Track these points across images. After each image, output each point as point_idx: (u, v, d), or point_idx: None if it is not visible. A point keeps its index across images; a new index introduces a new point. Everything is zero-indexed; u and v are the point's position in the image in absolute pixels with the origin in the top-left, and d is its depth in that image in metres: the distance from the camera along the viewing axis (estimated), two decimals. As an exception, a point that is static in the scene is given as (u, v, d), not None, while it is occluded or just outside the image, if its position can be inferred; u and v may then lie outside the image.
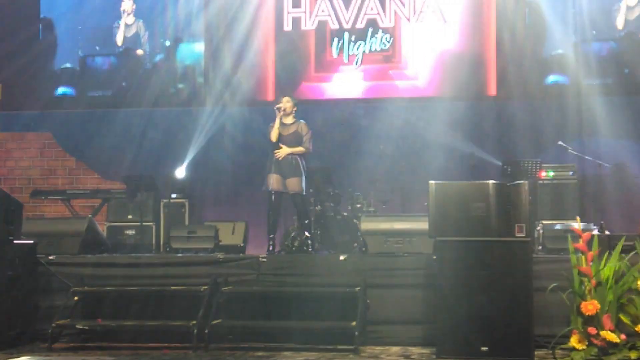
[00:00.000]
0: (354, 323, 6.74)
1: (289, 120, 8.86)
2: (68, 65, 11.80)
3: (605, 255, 6.38)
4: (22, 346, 7.03)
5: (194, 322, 6.89)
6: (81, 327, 7.23)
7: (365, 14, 11.14)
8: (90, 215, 9.42)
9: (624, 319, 6.22)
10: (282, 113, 8.77)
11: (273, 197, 8.75)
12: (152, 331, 7.18)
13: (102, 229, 9.68)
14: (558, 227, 8.28)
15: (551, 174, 9.39)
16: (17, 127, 11.73)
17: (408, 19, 11.09)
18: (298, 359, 6.48)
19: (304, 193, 8.90)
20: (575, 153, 9.75)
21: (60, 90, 11.80)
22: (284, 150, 8.72)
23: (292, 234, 9.21)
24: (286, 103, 8.86)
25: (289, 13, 11.31)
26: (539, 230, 8.74)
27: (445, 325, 6.36)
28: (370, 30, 11.13)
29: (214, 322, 6.97)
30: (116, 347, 7.04)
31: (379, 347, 6.91)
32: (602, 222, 7.88)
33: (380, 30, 11.12)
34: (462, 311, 6.31)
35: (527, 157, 9.55)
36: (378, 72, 11.16)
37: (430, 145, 10.60)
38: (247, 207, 10.27)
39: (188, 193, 10.47)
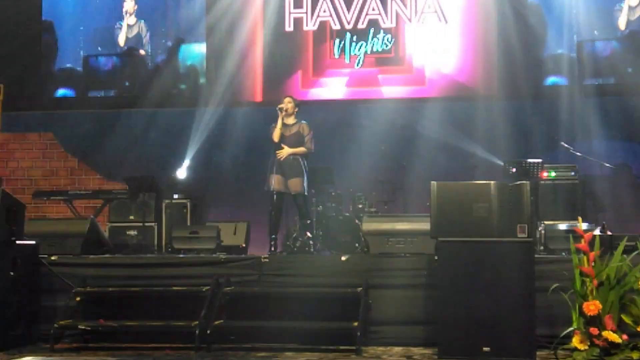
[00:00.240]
0: (355, 323, 6.73)
1: (290, 120, 8.86)
2: (70, 65, 11.81)
3: (607, 256, 6.39)
4: (24, 346, 7.02)
5: (196, 322, 6.88)
6: (83, 327, 7.23)
7: (366, 14, 11.15)
8: (92, 216, 9.43)
9: (626, 319, 6.22)
10: (283, 113, 8.78)
11: (275, 197, 8.76)
12: (154, 331, 7.17)
13: (104, 229, 9.68)
14: (560, 227, 8.28)
15: (553, 174, 9.38)
16: (19, 127, 11.75)
17: (409, 20, 11.09)
18: (300, 360, 6.49)
19: (306, 193, 8.91)
20: (577, 153, 9.75)
21: (61, 92, 11.82)
22: (285, 151, 8.73)
23: (294, 235, 9.22)
24: (288, 103, 8.87)
25: (290, 13, 11.32)
26: (540, 231, 8.76)
27: (447, 326, 6.36)
28: (372, 30, 11.14)
29: (216, 322, 6.97)
30: (118, 348, 7.04)
31: (381, 348, 6.91)
32: (604, 222, 7.88)
33: (382, 31, 11.14)
34: (464, 311, 6.30)
35: (529, 157, 9.54)
36: (379, 72, 11.16)
37: (432, 146, 10.60)
38: (249, 207, 10.27)
39: (190, 193, 10.48)
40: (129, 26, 11.72)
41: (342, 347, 6.78)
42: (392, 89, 11.15)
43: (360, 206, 9.65)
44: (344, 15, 11.19)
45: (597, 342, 6.09)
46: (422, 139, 10.69)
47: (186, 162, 10.72)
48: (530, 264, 6.34)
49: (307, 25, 11.30)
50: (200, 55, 11.59)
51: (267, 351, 6.78)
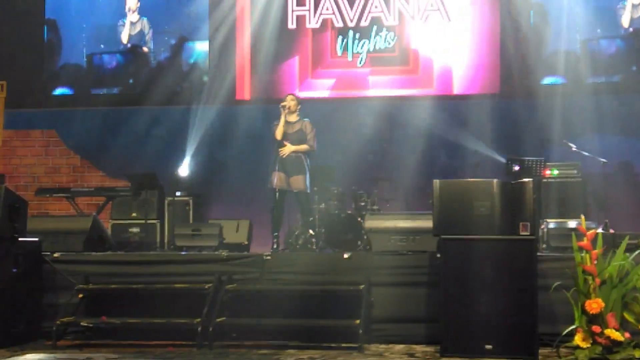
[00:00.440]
0: (358, 321, 6.74)
1: (293, 118, 8.86)
2: (73, 63, 11.82)
3: (610, 254, 6.38)
4: (26, 343, 7.04)
5: (199, 319, 6.89)
6: (85, 324, 7.25)
7: (369, 12, 11.14)
8: (94, 213, 9.45)
9: (628, 317, 6.22)
10: (286, 111, 8.78)
11: (277, 195, 8.76)
12: (156, 329, 7.18)
13: (107, 226, 9.69)
14: (562, 225, 8.27)
15: (556, 172, 9.37)
16: (22, 124, 11.75)
17: (412, 18, 11.08)
18: (302, 357, 6.47)
19: (308, 191, 8.91)
20: (580, 151, 9.74)
21: (63, 89, 11.83)
22: (288, 148, 8.73)
23: (296, 232, 9.22)
24: (290, 101, 8.87)
25: (293, 11, 11.31)
26: (543, 229, 8.75)
27: (449, 323, 6.36)
28: (375, 28, 11.13)
29: (218, 319, 6.98)
30: (120, 345, 7.05)
31: (383, 345, 6.92)
32: (606, 220, 7.88)
33: (385, 29, 11.13)
34: (467, 309, 6.31)
35: (531, 155, 9.53)
36: (381, 70, 11.15)
37: (434, 143, 10.60)
38: (251, 205, 10.26)
39: (192, 191, 10.48)
40: (132, 23, 11.72)
41: (344, 345, 6.79)
42: (394, 87, 11.13)
43: (362, 204, 9.65)
44: (347, 12, 11.18)
45: (599, 340, 6.09)
46: (425, 136, 10.68)
47: (187, 160, 10.70)
48: (533, 262, 6.34)
49: (309, 23, 11.29)
50: (203, 53, 11.59)
51: (269, 349, 6.79)
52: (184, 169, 10.57)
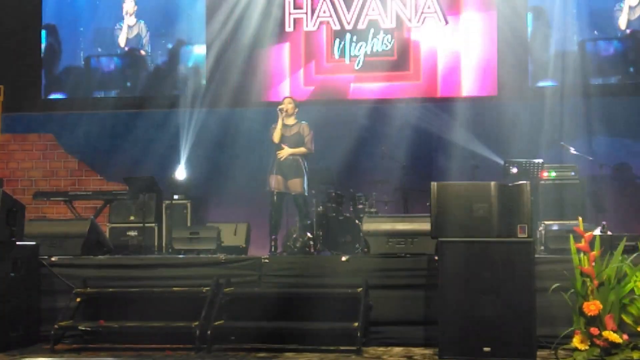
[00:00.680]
0: (356, 324, 6.73)
1: (290, 121, 8.88)
2: (71, 66, 11.82)
3: (607, 256, 6.38)
4: (24, 347, 7.03)
5: (196, 323, 6.88)
6: (84, 328, 7.22)
7: (366, 15, 11.15)
8: (92, 217, 9.43)
9: (626, 319, 6.22)
10: (284, 114, 8.79)
11: (275, 197, 8.78)
12: (154, 332, 7.18)
13: (105, 230, 9.69)
14: (560, 227, 8.27)
15: (553, 174, 9.39)
16: (20, 128, 11.75)
17: (409, 20, 11.09)
18: (300, 360, 6.49)
19: (306, 194, 8.93)
20: (578, 153, 9.75)
21: (61, 93, 11.83)
22: (285, 151, 8.74)
23: (294, 235, 9.21)
24: (288, 104, 8.89)
25: (290, 14, 11.32)
26: (541, 231, 8.75)
27: (447, 326, 6.36)
28: (372, 31, 11.14)
29: (216, 323, 6.97)
30: (119, 348, 7.04)
31: (381, 348, 6.92)
32: (604, 222, 7.88)
33: (382, 31, 11.14)
34: (465, 312, 6.30)
35: (529, 157, 9.54)
36: (379, 72, 11.15)
37: (432, 146, 10.61)
38: (249, 208, 10.26)
39: (190, 194, 10.49)
40: (129, 27, 11.73)
41: (342, 348, 6.79)
42: (392, 90, 11.14)
43: (360, 206, 9.64)
44: (344, 15, 11.19)
45: (597, 342, 6.09)
46: (422, 139, 10.70)
47: (182, 163, 10.69)
48: (531, 264, 6.34)
49: (307, 26, 11.30)
50: (201, 56, 11.59)
51: (267, 352, 6.78)
52: (181, 173, 10.57)
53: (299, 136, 8.81)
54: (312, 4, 11.27)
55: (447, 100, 10.93)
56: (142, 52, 11.72)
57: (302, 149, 8.79)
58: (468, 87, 10.97)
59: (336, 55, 11.22)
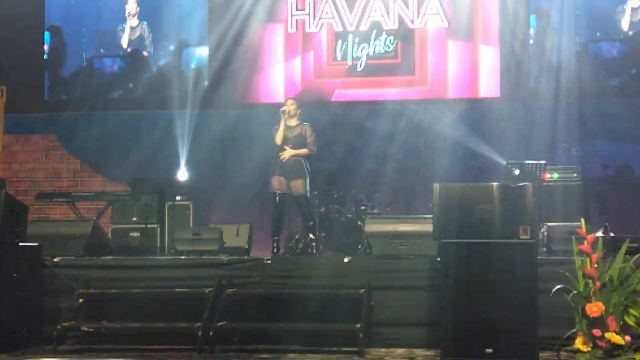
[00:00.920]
0: (358, 325, 6.73)
1: (293, 122, 8.88)
2: (74, 67, 11.84)
3: (610, 257, 6.38)
4: (27, 348, 7.02)
5: (199, 324, 6.89)
6: (86, 329, 7.24)
7: (369, 16, 11.15)
8: (95, 218, 9.45)
9: (629, 320, 6.21)
10: (286, 116, 8.80)
11: (277, 199, 8.78)
12: (156, 333, 7.18)
13: (107, 231, 9.70)
14: (562, 229, 8.26)
15: (555, 175, 9.37)
16: (22, 129, 11.75)
17: (412, 22, 11.09)
18: (303, 361, 6.50)
19: (308, 195, 8.93)
20: (580, 155, 9.75)
21: (64, 93, 11.85)
22: (288, 152, 8.75)
23: (297, 236, 9.22)
24: (290, 105, 8.90)
25: (292, 15, 11.32)
26: (543, 232, 8.75)
27: (449, 327, 6.35)
28: (374, 32, 11.14)
29: (219, 324, 6.97)
30: (121, 349, 7.05)
31: (383, 349, 6.92)
32: (606, 223, 7.87)
33: (384, 33, 11.13)
34: (467, 313, 6.30)
35: (531, 158, 9.53)
36: (382, 74, 11.15)
37: (434, 147, 10.61)
38: (252, 209, 10.27)
39: (192, 195, 10.48)
40: (132, 28, 11.74)
41: (344, 349, 6.79)
42: (394, 91, 11.14)
43: (363, 208, 9.65)
44: (347, 17, 11.19)
45: (600, 343, 6.09)
46: (425, 140, 10.70)
47: (184, 164, 10.68)
48: (533, 266, 6.33)
49: (309, 27, 11.30)
50: (203, 57, 11.60)
51: (269, 353, 6.79)
52: (183, 174, 10.57)
53: (301, 137, 8.81)
54: (314, 5, 11.27)
55: (450, 101, 10.92)
56: (145, 54, 11.73)
57: (304, 150, 8.80)
58: (471, 88, 10.96)
59: (338, 57, 11.21)
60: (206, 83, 11.54)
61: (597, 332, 6.10)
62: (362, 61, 11.15)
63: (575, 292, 6.31)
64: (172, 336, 7.14)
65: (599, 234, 7.01)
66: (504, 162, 9.74)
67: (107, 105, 11.61)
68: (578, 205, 9.13)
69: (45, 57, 11.90)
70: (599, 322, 6.14)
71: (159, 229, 10.03)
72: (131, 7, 11.74)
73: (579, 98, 10.53)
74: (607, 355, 6.09)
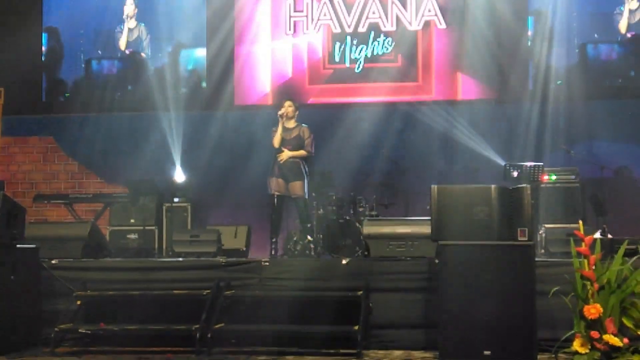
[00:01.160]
0: (356, 327, 6.73)
1: (291, 124, 8.88)
2: (72, 69, 11.83)
3: (608, 259, 6.38)
4: (25, 350, 7.02)
5: (197, 326, 6.88)
6: (84, 331, 7.23)
7: (367, 18, 11.16)
8: (92, 220, 9.45)
9: (627, 322, 6.21)
10: (284, 119, 8.80)
11: (275, 200, 8.77)
12: (154, 335, 7.18)
13: (105, 233, 9.69)
14: (560, 230, 8.27)
15: (554, 177, 9.39)
16: (20, 131, 11.76)
17: (410, 23, 11.10)
18: (301, 363, 6.50)
19: (306, 197, 8.92)
20: (578, 156, 9.76)
21: (62, 95, 11.84)
22: (286, 154, 8.74)
23: (295, 238, 9.22)
24: (288, 107, 8.89)
25: (290, 17, 11.33)
26: (541, 234, 8.76)
27: (447, 329, 6.35)
28: (372, 34, 11.15)
29: (217, 326, 6.97)
30: (119, 351, 7.03)
31: (381, 351, 6.91)
32: (604, 225, 7.88)
33: (382, 34, 11.14)
34: (465, 315, 6.29)
35: (530, 160, 9.54)
36: (379, 76, 11.15)
37: (433, 149, 10.61)
38: (250, 210, 10.27)
39: (190, 197, 10.49)
40: (130, 30, 11.74)
41: (342, 351, 6.78)
42: (392, 92, 11.14)
43: (360, 209, 9.65)
44: (345, 19, 11.20)
45: (598, 345, 6.09)
46: (423, 141, 10.70)
47: (180, 166, 10.66)
48: (531, 267, 6.33)
49: (307, 29, 11.31)
50: (201, 59, 11.60)
51: (267, 355, 6.78)
52: (180, 175, 10.56)
53: (299, 139, 8.81)
54: (312, 7, 11.27)
55: (448, 102, 10.94)
56: (143, 55, 11.73)
57: (302, 152, 8.79)
58: (469, 89, 10.96)
59: (336, 58, 11.22)
60: (204, 85, 11.54)
61: (595, 334, 6.09)
62: (360, 63, 11.16)
63: (573, 294, 6.30)
64: (170, 338, 7.13)
65: (597, 235, 7.03)
66: (502, 164, 9.74)
67: (105, 107, 11.60)
68: (576, 206, 9.16)
69: (42, 58, 11.89)
70: (597, 324, 6.13)
71: (157, 230, 10.03)
72: (129, 8, 11.74)
73: (576, 99, 10.54)
74: (605, 357, 6.08)
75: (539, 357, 6.28)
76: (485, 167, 10.05)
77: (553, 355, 6.32)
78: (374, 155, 10.61)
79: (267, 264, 7.53)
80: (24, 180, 11.71)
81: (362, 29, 11.18)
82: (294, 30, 11.34)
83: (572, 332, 6.23)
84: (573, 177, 9.36)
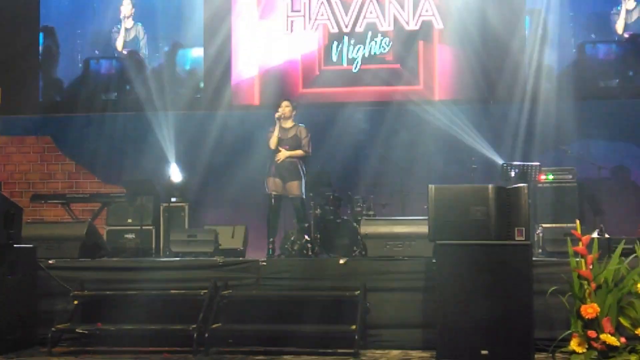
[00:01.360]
0: (354, 327, 6.74)
1: (288, 124, 8.88)
2: (69, 69, 11.81)
3: (605, 259, 6.39)
4: (22, 350, 7.03)
5: (194, 326, 6.89)
6: (81, 331, 7.23)
7: (364, 17, 11.15)
8: (90, 219, 9.43)
9: (624, 322, 6.22)
10: (281, 122, 8.81)
11: (273, 200, 8.77)
12: (152, 335, 7.18)
13: (102, 232, 9.68)
14: (558, 230, 8.27)
15: (551, 177, 9.38)
16: (17, 131, 11.74)
17: (407, 23, 11.10)
18: (298, 363, 6.50)
19: (304, 197, 8.92)
20: (575, 156, 9.76)
21: (55, 97, 11.82)
22: (283, 154, 8.74)
23: (292, 238, 9.21)
24: (285, 107, 8.89)
25: (288, 17, 11.32)
26: (538, 234, 8.76)
27: (445, 329, 6.36)
28: (370, 34, 11.14)
29: (214, 325, 6.97)
30: (116, 351, 7.04)
31: (379, 351, 6.92)
32: (601, 225, 7.88)
33: (380, 34, 11.13)
34: (462, 315, 6.31)
35: (526, 160, 9.54)
36: (377, 75, 11.14)
37: (430, 149, 10.61)
38: (247, 210, 10.26)
39: (188, 197, 10.47)
40: (127, 30, 11.72)
41: (340, 351, 6.79)
42: (389, 92, 11.13)
43: (358, 209, 9.63)
44: (342, 18, 11.19)
45: (595, 345, 6.10)
46: (420, 141, 10.69)
47: (177, 165, 10.63)
48: (528, 267, 6.34)
49: (305, 29, 11.29)
50: (198, 59, 11.59)
51: (265, 355, 6.78)
52: (177, 175, 10.54)
53: (296, 139, 8.81)
54: (309, 7, 11.27)
55: (445, 102, 10.92)
56: (141, 55, 11.72)
57: (299, 152, 8.79)
58: (466, 89, 10.95)
59: (334, 58, 11.21)
60: (201, 85, 11.53)
61: (592, 333, 6.10)
62: (357, 62, 11.15)
63: (570, 293, 6.32)
64: (167, 338, 7.13)
65: (594, 235, 7.02)
66: (499, 164, 9.75)
67: (102, 107, 11.58)
68: (573, 206, 9.14)
69: (39, 58, 11.87)
70: (594, 324, 6.14)
71: (154, 230, 10.02)
72: (126, 8, 11.72)
73: (575, 99, 10.53)
74: (602, 357, 6.09)
75: (536, 356, 6.29)
76: (483, 166, 10.04)
77: (550, 355, 6.33)
78: (371, 155, 10.61)
79: (265, 263, 7.54)
80: (21, 180, 11.69)
81: (359, 29, 11.17)
82: (292, 30, 11.32)
83: (569, 331, 6.24)
84: (570, 176, 9.35)
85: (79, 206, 10.72)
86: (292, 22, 11.33)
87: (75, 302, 7.37)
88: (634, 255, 6.41)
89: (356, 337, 6.67)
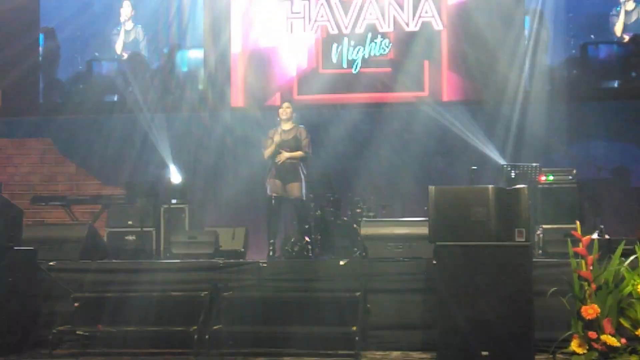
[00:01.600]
0: (354, 328, 6.74)
1: (288, 125, 8.89)
2: (70, 70, 11.82)
3: (605, 260, 6.39)
4: (23, 352, 7.03)
5: (195, 327, 6.89)
6: (82, 333, 7.23)
7: (364, 19, 11.15)
8: (90, 221, 9.43)
9: (625, 323, 6.22)
10: (282, 124, 8.83)
11: (273, 202, 8.78)
12: (152, 337, 7.18)
13: (103, 234, 9.68)
14: (558, 231, 8.27)
15: (551, 178, 9.38)
16: (18, 133, 11.74)
17: (407, 24, 11.10)
18: (299, 365, 6.50)
19: (304, 198, 8.93)
20: (575, 156, 9.76)
21: (56, 99, 11.83)
22: (283, 155, 8.75)
23: (292, 239, 9.21)
24: (286, 108, 8.91)
25: (288, 18, 11.33)
26: (538, 235, 8.76)
27: (445, 330, 6.35)
28: (370, 35, 11.14)
29: (215, 327, 6.98)
30: (117, 353, 7.04)
31: (379, 352, 6.92)
32: (601, 226, 7.88)
33: (380, 35, 11.13)
34: (463, 316, 6.30)
35: (527, 161, 9.54)
36: (377, 77, 11.15)
37: (431, 150, 10.61)
38: (248, 212, 10.27)
39: (188, 198, 10.47)
40: (127, 31, 11.73)
41: (340, 352, 6.79)
42: (389, 93, 11.13)
43: (358, 211, 9.64)
44: (342, 20, 11.20)
45: (595, 346, 6.10)
46: (421, 142, 10.69)
47: (176, 167, 10.63)
48: (529, 268, 6.34)
49: (305, 30, 11.30)
50: (198, 60, 11.60)
51: (265, 356, 6.79)
52: (177, 177, 10.54)
53: (296, 140, 8.82)
54: (309, 9, 11.27)
55: (446, 103, 10.92)
56: (142, 56, 11.72)
57: (300, 153, 8.80)
58: (466, 90, 10.96)
59: (334, 59, 11.21)
60: (200, 87, 11.53)
61: (592, 334, 6.11)
62: (357, 64, 11.15)
63: (570, 294, 6.32)
64: (168, 340, 7.13)
65: (595, 236, 7.02)
66: (499, 164, 9.75)
67: (103, 109, 11.58)
68: (573, 207, 9.14)
69: (40, 59, 11.88)
70: (595, 325, 6.15)
71: (154, 232, 10.01)
72: (126, 10, 11.73)
73: (574, 100, 10.54)
74: (603, 358, 6.10)
75: (536, 357, 6.28)
76: (483, 167, 10.04)
77: (551, 356, 6.33)
78: (371, 157, 10.61)
79: (265, 265, 7.53)
80: (21, 182, 11.68)
81: (359, 30, 11.17)
82: (291, 31, 11.33)
83: (570, 332, 6.24)
84: (570, 177, 9.34)
85: (79, 208, 10.72)
86: (291, 23, 11.33)
87: (76, 304, 7.37)
88: (634, 256, 6.42)
89: (357, 338, 6.67)
